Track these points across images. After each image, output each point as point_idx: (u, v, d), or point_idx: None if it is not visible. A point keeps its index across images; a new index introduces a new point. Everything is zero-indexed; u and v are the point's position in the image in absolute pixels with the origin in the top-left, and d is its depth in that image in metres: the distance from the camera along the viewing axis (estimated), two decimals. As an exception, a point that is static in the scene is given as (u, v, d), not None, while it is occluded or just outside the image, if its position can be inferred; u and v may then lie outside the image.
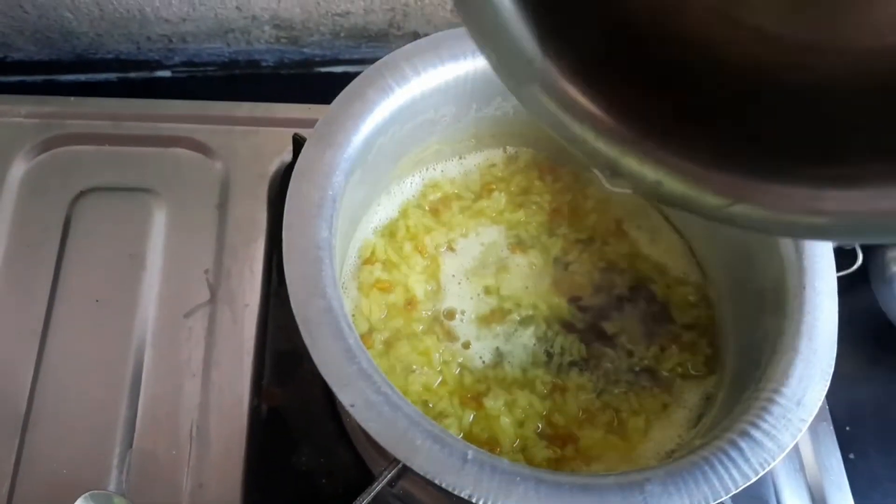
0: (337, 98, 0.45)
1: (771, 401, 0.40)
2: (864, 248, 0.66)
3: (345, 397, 0.38)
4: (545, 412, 0.49)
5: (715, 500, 0.37)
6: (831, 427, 0.58)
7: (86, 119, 0.64)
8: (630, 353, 0.52)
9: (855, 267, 0.66)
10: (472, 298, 0.53)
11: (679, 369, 0.51)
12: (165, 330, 0.56)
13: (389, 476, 0.42)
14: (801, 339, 0.41)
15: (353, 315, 0.51)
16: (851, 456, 0.60)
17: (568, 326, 0.53)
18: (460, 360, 0.51)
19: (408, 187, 0.56)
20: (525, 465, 0.38)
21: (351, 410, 0.38)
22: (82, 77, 0.77)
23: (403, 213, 0.55)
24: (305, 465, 0.53)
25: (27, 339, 0.55)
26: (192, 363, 0.55)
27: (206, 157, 0.64)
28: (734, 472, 0.37)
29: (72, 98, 0.66)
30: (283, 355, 0.56)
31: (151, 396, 0.54)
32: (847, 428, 0.60)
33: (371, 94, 0.45)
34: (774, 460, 0.38)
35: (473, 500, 0.36)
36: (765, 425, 0.39)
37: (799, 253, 0.44)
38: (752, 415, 0.39)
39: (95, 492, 0.47)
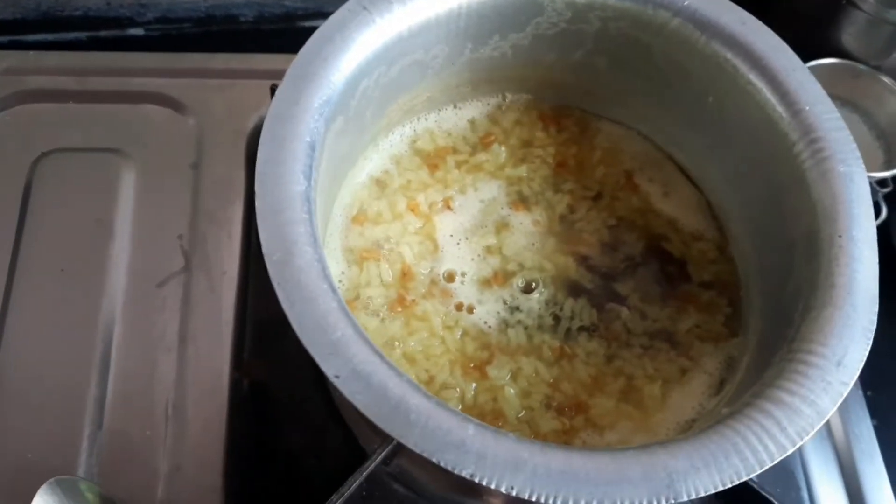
0: (314, 34, 0.40)
1: (807, 363, 0.35)
2: (889, 201, 0.62)
3: (328, 367, 0.33)
4: (552, 380, 0.45)
5: (749, 475, 0.32)
6: (860, 391, 0.55)
7: (48, 74, 0.60)
8: (643, 315, 0.48)
9: (879, 221, 0.61)
10: (472, 260, 0.49)
11: (697, 330, 0.47)
12: (137, 301, 0.52)
13: (383, 454, 0.38)
14: (839, 293, 0.37)
15: (340, 282, 0.46)
16: (875, 422, 0.56)
17: (576, 288, 0.48)
18: (462, 325, 0.46)
19: (398, 139, 0.51)
20: (533, 439, 0.33)
21: (336, 382, 0.33)
22: (49, 36, 0.72)
23: (395, 167, 0.50)
24: (292, 444, 0.49)
25: (-14, 314, 0.50)
26: (166, 336, 0.51)
27: (178, 114, 0.59)
28: (769, 443, 0.33)
29: (31, 52, 0.61)
30: (264, 325, 0.52)
31: (123, 373, 0.50)
32: (869, 392, 0.57)
33: (352, 29, 0.40)
34: (814, 429, 0.34)
35: (476, 480, 0.32)
36: (801, 390, 0.34)
37: (833, 198, 0.39)
38: (787, 378, 0.35)
39: (61, 478, 0.43)
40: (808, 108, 0.41)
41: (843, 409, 0.53)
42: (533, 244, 0.50)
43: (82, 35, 0.73)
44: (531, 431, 0.43)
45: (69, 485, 0.43)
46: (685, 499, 0.32)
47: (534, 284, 0.48)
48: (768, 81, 0.43)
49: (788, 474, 0.51)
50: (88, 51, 0.67)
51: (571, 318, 0.47)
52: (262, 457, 0.49)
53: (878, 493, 0.51)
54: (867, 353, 0.36)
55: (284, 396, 0.51)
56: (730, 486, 0.32)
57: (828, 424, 0.53)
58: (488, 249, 0.49)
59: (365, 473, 0.38)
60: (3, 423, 0.48)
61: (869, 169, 0.61)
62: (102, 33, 0.73)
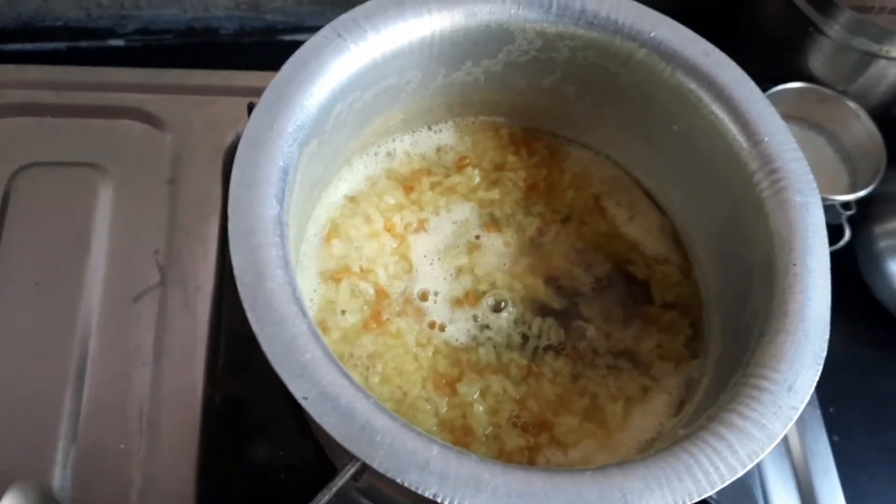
0: (288, 60, 0.41)
1: (759, 387, 0.37)
2: (852, 224, 0.64)
3: (297, 389, 0.34)
4: (519, 397, 0.46)
5: (700, 496, 0.34)
6: (818, 410, 0.56)
7: (26, 88, 0.60)
8: (608, 335, 0.49)
9: (842, 243, 0.63)
10: (445, 279, 0.50)
11: (659, 350, 0.48)
12: (112, 315, 0.52)
13: (353, 470, 0.38)
14: (792, 320, 0.38)
15: (311, 300, 0.47)
16: (836, 438, 0.57)
17: (544, 308, 0.50)
18: (434, 343, 0.47)
19: (372, 160, 0.52)
20: (495, 460, 0.34)
21: (304, 404, 0.34)
22: (29, 46, 0.72)
23: (370, 188, 0.51)
24: (263, 458, 0.50)
25: (-39, 327, 0.51)
26: (141, 350, 0.51)
27: (156, 129, 0.59)
28: (720, 465, 0.34)
29: (10, 66, 0.61)
30: (238, 341, 0.53)
31: (97, 386, 0.50)
32: (831, 409, 0.58)
33: (326, 55, 0.41)
34: (763, 452, 0.35)
35: (438, 500, 0.33)
36: (753, 414, 0.36)
37: (790, 228, 0.41)
38: (740, 402, 0.36)
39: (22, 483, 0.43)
40: (767, 138, 0.43)
41: (801, 426, 0.55)
42: (504, 264, 0.51)
43: (62, 45, 0.73)
44: (497, 448, 0.45)
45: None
46: (639, 518, 0.33)
47: (503, 304, 0.49)
48: (730, 112, 0.44)
49: (747, 490, 0.52)
50: (68, 61, 0.67)
51: (539, 336, 0.49)
52: (234, 470, 0.50)
53: (832, 507, 0.52)
54: (817, 378, 0.37)
55: (257, 411, 0.51)
56: (682, 506, 0.34)
57: (786, 441, 0.54)
58: (460, 269, 0.50)
59: (334, 489, 0.39)
60: (-25, 434, 0.48)
61: (834, 191, 0.63)
62: (83, 44, 0.73)
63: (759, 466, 0.53)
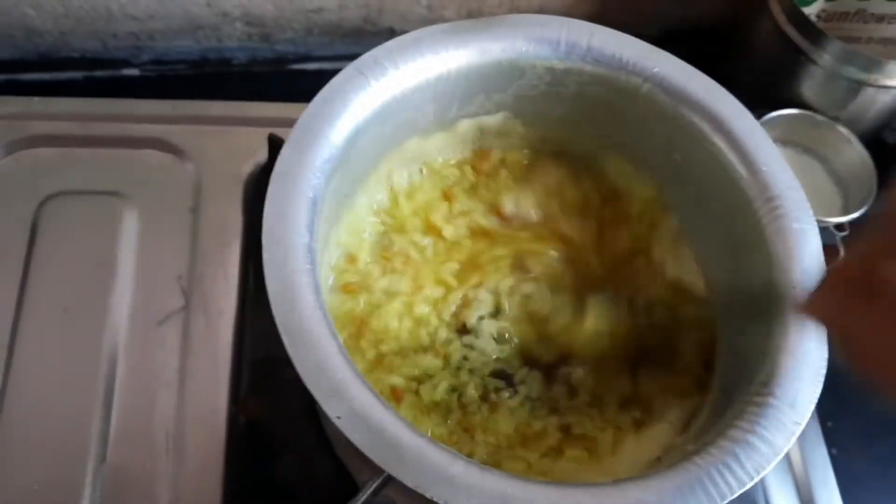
0: (315, 97, 0.44)
1: (764, 404, 0.39)
2: (846, 245, 0.66)
3: (330, 408, 0.36)
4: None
5: (711, 508, 0.36)
6: (817, 423, 0.58)
7: (51, 120, 0.62)
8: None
9: (837, 263, 0.66)
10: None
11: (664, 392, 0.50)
12: (138, 339, 0.54)
13: (374, 486, 0.40)
14: (792, 340, 0.41)
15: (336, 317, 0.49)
16: (834, 451, 0.59)
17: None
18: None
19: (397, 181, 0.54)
20: (516, 475, 0.37)
21: (337, 423, 0.36)
22: (46, 76, 0.75)
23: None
24: (286, 476, 0.51)
25: (-7, 352, 0.53)
26: (166, 373, 0.53)
27: (177, 159, 0.61)
28: (730, 478, 0.37)
29: (35, 98, 0.63)
30: (261, 363, 0.55)
31: (124, 408, 0.52)
32: (829, 423, 0.60)
33: (349, 92, 0.44)
34: (770, 465, 0.37)
35: (465, 513, 0.35)
36: (758, 429, 0.38)
37: (788, 253, 0.43)
38: (745, 419, 0.39)
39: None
40: (765, 168, 0.45)
41: (802, 440, 0.57)
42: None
43: (78, 75, 0.75)
44: None
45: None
46: (656, 529, 0.35)
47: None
48: (729, 143, 0.47)
49: (750, 500, 0.54)
50: (85, 90, 0.69)
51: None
52: (258, 489, 0.51)
53: (834, 521, 0.55)
54: (818, 394, 0.40)
55: (279, 431, 0.53)
56: (695, 516, 0.36)
57: (788, 457, 0.57)
58: None
59: (359, 504, 0.41)
60: (10, 457, 0.50)
61: (828, 214, 0.66)
62: (98, 73, 0.76)
63: (762, 480, 0.55)
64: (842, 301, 0.27)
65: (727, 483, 0.36)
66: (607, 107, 0.50)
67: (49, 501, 0.49)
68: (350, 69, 0.44)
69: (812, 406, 0.39)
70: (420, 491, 0.35)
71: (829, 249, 0.62)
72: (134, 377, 0.53)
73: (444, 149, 0.54)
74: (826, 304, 0.27)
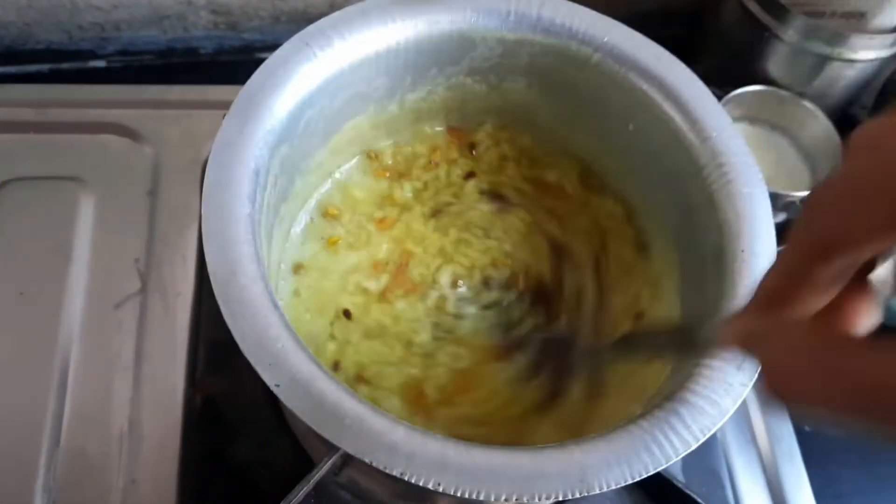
0: (258, 69, 0.43)
1: (711, 367, 0.38)
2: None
3: (269, 377, 0.36)
4: None
5: (656, 469, 0.35)
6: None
7: (8, 106, 0.62)
8: None
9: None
10: None
11: None
12: (94, 322, 0.54)
13: (329, 463, 0.40)
14: (739, 303, 0.40)
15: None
16: (807, 428, 0.59)
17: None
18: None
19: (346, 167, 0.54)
20: (458, 440, 0.36)
21: (276, 391, 0.36)
22: (12, 69, 0.74)
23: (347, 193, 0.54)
24: (243, 457, 0.51)
25: (-54, 338, 0.52)
26: (122, 356, 0.53)
27: (135, 143, 0.61)
28: (675, 439, 0.36)
29: (-8, 86, 0.63)
30: (217, 344, 0.54)
31: (80, 392, 0.52)
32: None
33: (294, 64, 0.43)
34: (715, 426, 0.37)
35: (405, 479, 0.34)
36: (705, 391, 0.38)
37: (738, 217, 0.43)
38: (693, 381, 0.38)
39: None
40: (715, 134, 0.45)
41: (766, 414, 0.57)
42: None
43: (44, 67, 0.75)
44: None
45: None
46: (597, 491, 0.35)
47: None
48: (680, 111, 0.46)
49: (715, 475, 0.54)
50: (51, 83, 0.69)
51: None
52: (216, 470, 0.51)
53: (797, 492, 0.54)
54: (767, 356, 0.39)
55: (236, 412, 0.53)
56: (639, 478, 0.35)
57: (752, 429, 0.56)
58: None
59: (312, 482, 0.41)
60: (-39, 441, 0.49)
61: (796, 188, 0.66)
62: (64, 65, 0.75)
63: (726, 453, 0.55)
64: (757, 324, 0.26)
65: (672, 444, 0.36)
66: (560, 78, 0.50)
67: (2, 486, 0.48)
68: (294, 40, 0.44)
69: (759, 367, 0.39)
70: (360, 457, 0.35)
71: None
72: (90, 360, 0.53)
73: (398, 125, 0.54)
74: (743, 328, 0.27)
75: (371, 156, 0.55)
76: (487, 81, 0.52)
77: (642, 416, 0.38)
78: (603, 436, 0.37)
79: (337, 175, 0.54)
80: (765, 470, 0.55)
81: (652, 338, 0.44)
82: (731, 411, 0.37)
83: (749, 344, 0.26)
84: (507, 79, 0.52)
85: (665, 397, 0.38)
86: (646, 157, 0.49)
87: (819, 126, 0.68)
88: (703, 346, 0.37)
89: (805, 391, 0.21)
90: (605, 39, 0.47)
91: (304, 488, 0.41)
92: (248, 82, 0.43)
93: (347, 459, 0.41)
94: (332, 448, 0.38)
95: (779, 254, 0.26)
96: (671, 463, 0.36)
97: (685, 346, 0.39)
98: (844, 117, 0.71)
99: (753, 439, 0.56)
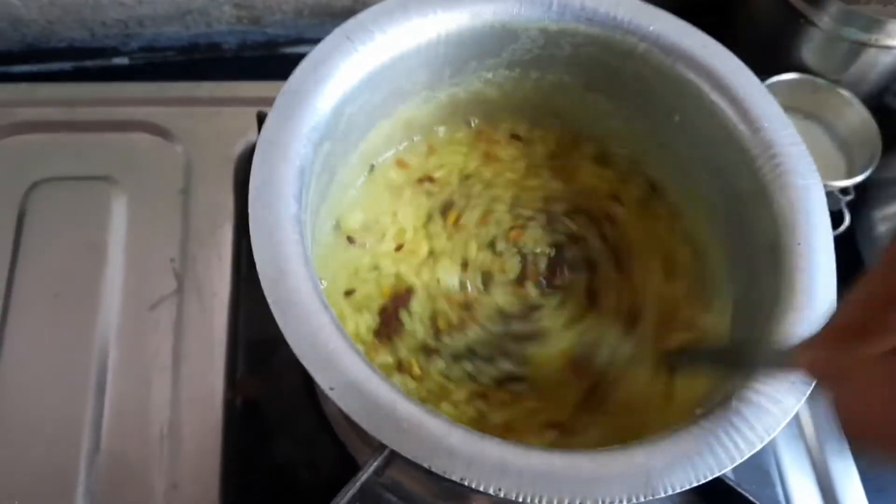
0: (299, 65, 0.42)
1: (773, 365, 0.38)
2: (851, 210, 0.65)
3: (323, 380, 0.35)
4: None
5: (721, 471, 0.35)
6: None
7: (37, 106, 0.61)
8: None
9: (842, 228, 0.65)
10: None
11: None
12: (130, 323, 0.53)
13: (375, 464, 0.39)
14: (800, 298, 0.39)
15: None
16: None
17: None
18: None
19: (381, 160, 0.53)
20: (516, 443, 0.35)
21: (330, 394, 0.35)
22: (35, 67, 0.74)
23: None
24: (285, 458, 0.51)
25: (-18, 341, 0.52)
26: (160, 357, 0.52)
27: (166, 141, 0.60)
28: (739, 440, 0.35)
29: (22, 84, 0.62)
30: (256, 344, 0.54)
31: (118, 395, 0.51)
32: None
33: (336, 59, 0.42)
34: (780, 425, 0.36)
35: (466, 484, 0.33)
36: (768, 390, 0.37)
37: (792, 210, 0.42)
38: (754, 379, 0.37)
39: None
40: (767, 125, 0.44)
41: (814, 408, 0.56)
42: None
43: (67, 65, 0.74)
44: None
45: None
46: (662, 495, 0.34)
47: None
48: (730, 101, 0.45)
49: (764, 472, 0.53)
50: (74, 81, 0.68)
51: None
52: (257, 472, 0.50)
53: (848, 487, 0.53)
54: (829, 353, 0.38)
55: (276, 412, 0.52)
56: (704, 481, 0.34)
57: (799, 423, 0.55)
58: None
59: (358, 484, 0.40)
60: (2, 446, 0.49)
61: (832, 178, 0.64)
62: (88, 63, 0.75)
63: (774, 449, 0.54)
64: (835, 356, 0.25)
65: (737, 445, 0.35)
66: (603, 69, 0.49)
67: (43, 492, 0.48)
68: (336, 34, 0.43)
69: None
70: (419, 462, 0.34)
71: (834, 215, 0.61)
72: (128, 362, 0.52)
73: (437, 118, 0.53)
74: (818, 358, 0.26)
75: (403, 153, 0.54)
76: (528, 74, 0.51)
77: (704, 415, 0.37)
78: (665, 437, 0.36)
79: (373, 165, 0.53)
80: (814, 466, 0.54)
81: (707, 354, 0.43)
82: (795, 410, 0.36)
83: (825, 377, 0.25)
84: (548, 70, 0.50)
85: (726, 395, 0.37)
86: (692, 148, 0.48)
87: (855, 114, 0.67)
88: (765, 366, 0.37)
89: (883, 438, 0.21)
90: (651, 28, 0.46)
91: (351, 490, 0.40)
92: (290, 78, 0.42)
93: (391, 460, 0.40)
94: (376, 449, 0.37)
95: (858, 282, 0.25)
96: (736, 464, 0.35)
97: (742, 364, 0.38)
98: (881, 105, 0.69)
99: (802, 434, 0.55)
